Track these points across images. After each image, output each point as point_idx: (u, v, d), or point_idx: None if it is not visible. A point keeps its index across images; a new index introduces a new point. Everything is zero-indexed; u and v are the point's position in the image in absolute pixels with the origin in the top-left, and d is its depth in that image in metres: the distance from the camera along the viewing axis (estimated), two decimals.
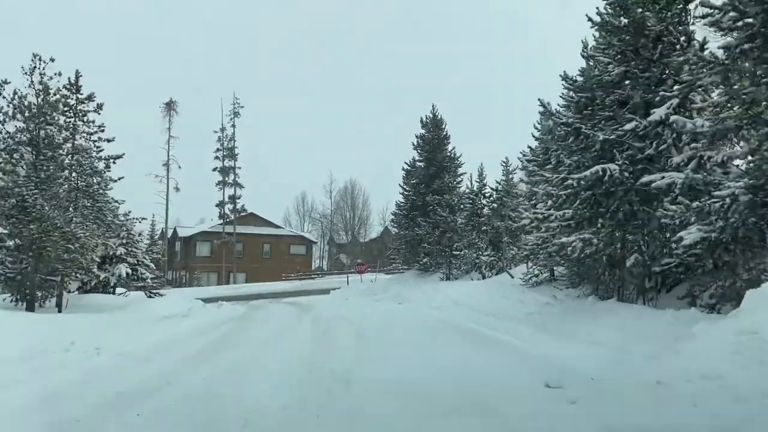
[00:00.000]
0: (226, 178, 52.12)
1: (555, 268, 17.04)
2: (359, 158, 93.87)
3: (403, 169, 29.56)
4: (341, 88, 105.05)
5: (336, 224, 68.86)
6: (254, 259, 56.62)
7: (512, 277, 19.77)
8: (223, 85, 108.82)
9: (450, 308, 17.20)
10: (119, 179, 17.95)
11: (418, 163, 29.38)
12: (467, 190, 23.57)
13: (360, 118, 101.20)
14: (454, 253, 23.59)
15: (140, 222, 21.22)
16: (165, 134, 50.29)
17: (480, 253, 21.90)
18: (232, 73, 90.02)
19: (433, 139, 29.00)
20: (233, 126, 52.86)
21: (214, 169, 51.38)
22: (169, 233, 57.84)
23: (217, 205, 51.37)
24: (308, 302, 26.43)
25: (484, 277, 22.03)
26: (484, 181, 23.19)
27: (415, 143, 29.41)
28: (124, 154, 16.58)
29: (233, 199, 52.47)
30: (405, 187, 29.68)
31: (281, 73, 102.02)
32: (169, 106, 50.23)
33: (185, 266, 54.82)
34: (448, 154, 29.08)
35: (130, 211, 21.00)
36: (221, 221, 52.55)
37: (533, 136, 17.48)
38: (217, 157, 51.70)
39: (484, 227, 22.33)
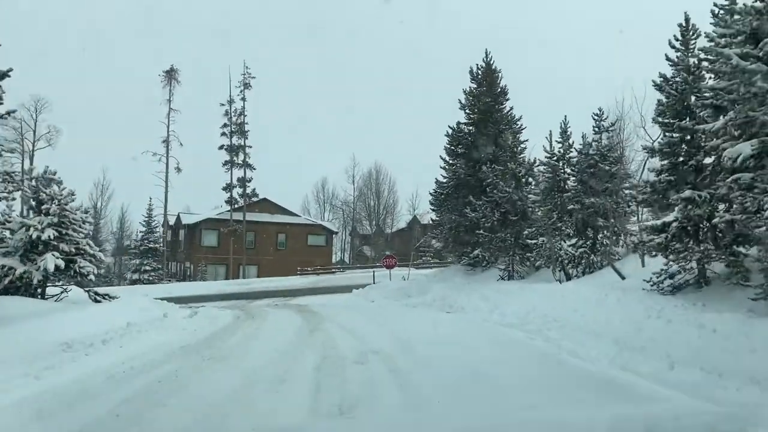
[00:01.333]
0: (235, 158, 46.12)
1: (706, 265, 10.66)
2: (385, 142, 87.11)
3: (446, 134, 23.07)
4: (365, 65, 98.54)
5: (359, 213, 62.64)
6: (267, 250, 50.68)
7: (622, 277, 13.27)
8: (234, 56, 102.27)
9: (544, 327, 10.79)
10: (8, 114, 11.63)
11: (466, 127, 22.86)
12: (544, 157, 16.98)
13: (386, 98, 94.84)
14: (527, 242, 17.10)
15: (64, 189, 15.06)
16: (165, 107, 44.47)
17: (564, 242, 15.39)
18: (243, 43, 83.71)
19: (487, 94, 22.44)
20: (243, 99, 46.88)
21: (221, 147, 45.44)
22: (172, 220, 52.24)
23: (224, 189, 45.50)
24: (323, 306, 20.25)
25: (569, 277, 15.54)
26: (570, 140, 16.60)
27: (463, 101, 22.90)
28: (11, 69, 10.42)
29: (243, 182, 46.50)
30: (448, 159, 23.22)
31: (297, 46, 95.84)
32: (170, 74, 44.40)
33: (189, 257, 49.11)
34: (506, 113, 22.52)
35: (53, 172, 14.94)
36: (231, 208, 46.57)
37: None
38: (224, 134, 45.75)
39: (571, 206, 15.79)
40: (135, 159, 51.05)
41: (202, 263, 46.07)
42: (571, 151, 16.59)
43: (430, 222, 24.02)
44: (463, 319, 14.13)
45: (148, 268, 40.56)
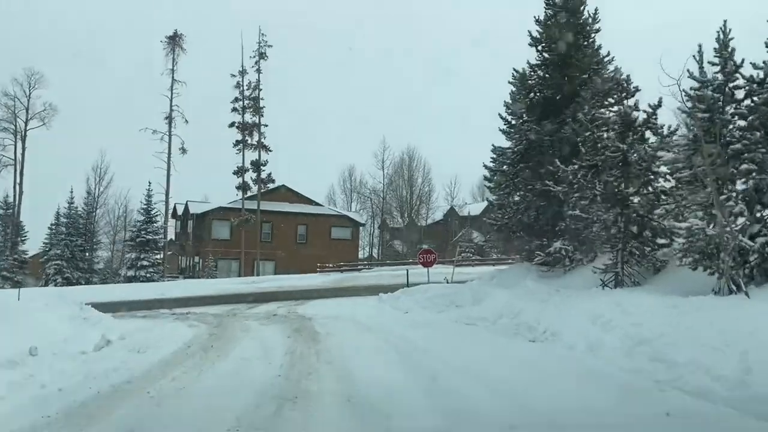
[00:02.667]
0: (248, 138, 40.45)
1: None
2: (419, 126, 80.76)
3: (509, 82, 16.74)
4: (396, 44, 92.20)
5: (389, 204, 56.51)
6: (285, 243, 45.02)
7: None
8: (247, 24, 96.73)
9: None
10: None
11: (537, 72, 16.49)
12: (690, 89, 10.48)
13: (420, 79, 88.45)
14: (654, 225, 10.72)
15: None
16: (167, 78, 38.98)
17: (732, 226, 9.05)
18: (259, 10, 78.08)
19: (567, 26, 16.04)
20: (258, 71, 41.19)
21: (231, 125, 39.82)
22: (181, 210, 46.95)
23: (235, 173, 39.90)
24: (335, 321, 14.25)
25: (738, 287, 9.11)
26: (733, 61, 10.09)
27: (534, 35, 16.50)
28: None
29: (257, 165, 40.81)
30: (510, 118, 16.92)
31: (321, 21, 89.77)
32: (174, 40, 38.92)
33: (198, 251, 43.70)
34: (593, 50, 16.11)
35: None
36: (243, 195, 40.90)
37: None
38: (234, 110, 40.10)
39: (739, 166, 9.41)
40: (136, 138, 45.50)
41: (211, 258, 40.58)
42: (736, 78, 10.12)
43: (489, 203, 17.60)
44: (571, 360, 7.96)
45: (146, 263, 35.20)
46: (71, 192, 36.97)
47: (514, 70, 16.37)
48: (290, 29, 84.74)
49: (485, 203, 58.47)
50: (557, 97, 15.06)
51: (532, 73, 16.29)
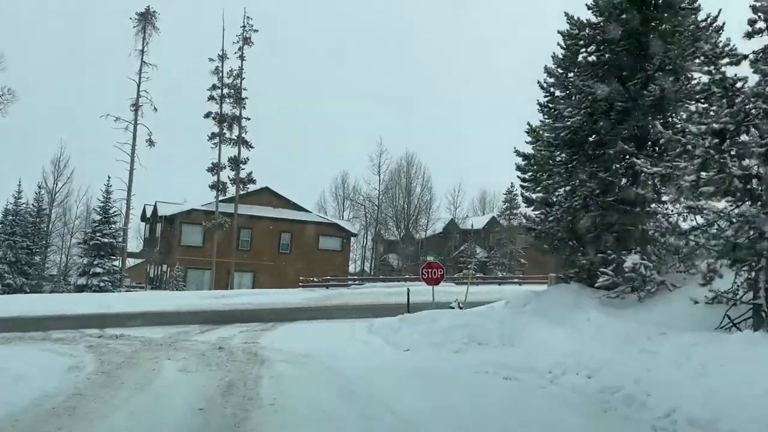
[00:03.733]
0: (226, 131, 35.79)
1: None
2: (418, 131, 76.15)
3: (559, 32, 12.19)
4: (394, 43, 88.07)
5: (384, 213, 51.82)
6: (266, 253, 40.29)
7: None
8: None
9: None
10: None
11: (598, 17, 11.95)
12: None
13: (421, 81, 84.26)
14: None
15: None
16: (136, 60, 34.36)
17: None
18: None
19: None
20: (241, 57, 36.67)
21: (207, 116, 35.17)
22: (149, 212, 42.19)
23: (209, 170, 35.19)
24: (305, 361, 9.58)
25: None
26: None
27: None
28: None
29: (235, 163, 36.14)
30: (552, 88, 12.39)
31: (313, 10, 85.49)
32: (146, 18, 34.32)
33: (167, 259, 38.85)
34: None
35: None
36: (217, 195, 36.14)
37: None
38: (212, 98, 35.47)
39: None
40: (101, 129, 40.39)
41: (179, 268, 35.74)
42: None
43: (525, 199, 12.78)
44: None
45: (99, 270, 30.33)
46: (19, 186, 32.28)
47: (567, 16, 11.79)
48: (279, 17, 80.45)
49: (490, 216, 54.43)
50: (634, 48, 10.51)
51: (584, 27, 11.72)
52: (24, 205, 33.10)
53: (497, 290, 30.11)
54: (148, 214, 42.60)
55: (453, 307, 15.65)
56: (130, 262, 54.19)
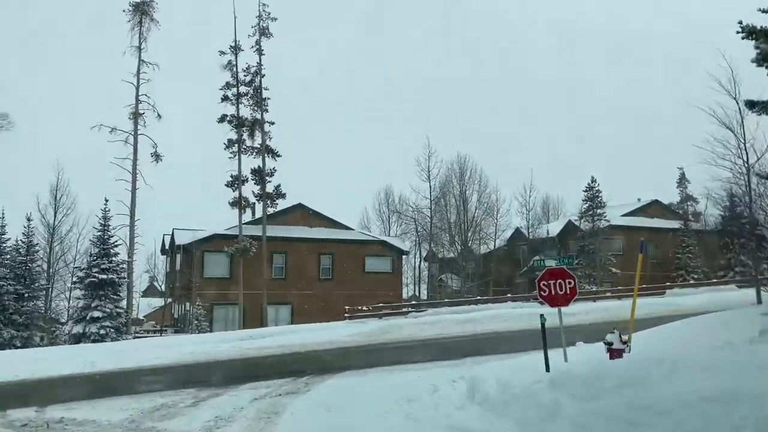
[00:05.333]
0: (246, 138, 30.09)
1: None
2: (469, 132, 69.52)
3: None
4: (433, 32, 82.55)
5: (437, 227, 45.11)
6: (304, 280, 34.27)
7: None
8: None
9: None
10: None
11: None
12: None
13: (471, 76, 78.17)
14: None
15: None
16: (132, 59, 29.06)
17: None
18: None
19: None
20: (259, 52, 31.12)
21: (222, 120, 29.56)
22: (167, 241, 36.75)
23: (229, 185, 29.45)
24: None
25: None
26: None
27: None
28: None
29: (260, 175, 30.34)
30: None
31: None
32: (141, 9, 29.08)
33: (184, 295, 33.12)
34: None
35: None
36: (240, 213, 30.25)
37: None
38: (226, 98, 29.90)
39: None
40: (100, 146, 34.85)
41: (199, 305, 29.87)
42: None
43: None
44: None
45: (99, 314, 24.65)
46: (2, 218, 26.85)
47: None
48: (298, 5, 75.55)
49: (564, 221, 47.17)
50: None
51: None
52: (12, 242, 27.92)
53: (613, 307, 23.18)
54: (168, 245, 37.17)
55: (610, 344, 9.03)
56: (152, 302, 48.97)
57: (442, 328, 21.51)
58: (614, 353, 9.09)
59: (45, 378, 14.89)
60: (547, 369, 7.85)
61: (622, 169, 65.52)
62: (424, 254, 50.06)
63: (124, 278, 26.45)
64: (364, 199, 73.79)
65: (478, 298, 28.57)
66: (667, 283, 33.20)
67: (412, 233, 49.12)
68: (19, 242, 28.14)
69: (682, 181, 47.43)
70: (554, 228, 44.07)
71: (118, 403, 11.43)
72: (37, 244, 29.73)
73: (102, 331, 24.68)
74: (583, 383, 5.86)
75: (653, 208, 44.90)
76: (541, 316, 9.31)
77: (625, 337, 9.20)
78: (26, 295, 27.59)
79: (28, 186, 58.46)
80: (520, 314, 23.86)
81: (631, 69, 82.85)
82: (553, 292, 10.63)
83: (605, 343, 9.23)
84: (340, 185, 68.88)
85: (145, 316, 51.50)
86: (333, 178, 69.22)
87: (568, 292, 10.56)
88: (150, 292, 54.02)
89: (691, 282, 33.85)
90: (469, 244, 44.76)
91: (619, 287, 31.83)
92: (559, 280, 10.65)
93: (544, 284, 10.71)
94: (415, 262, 52.00)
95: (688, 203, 46.03)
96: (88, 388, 14.13)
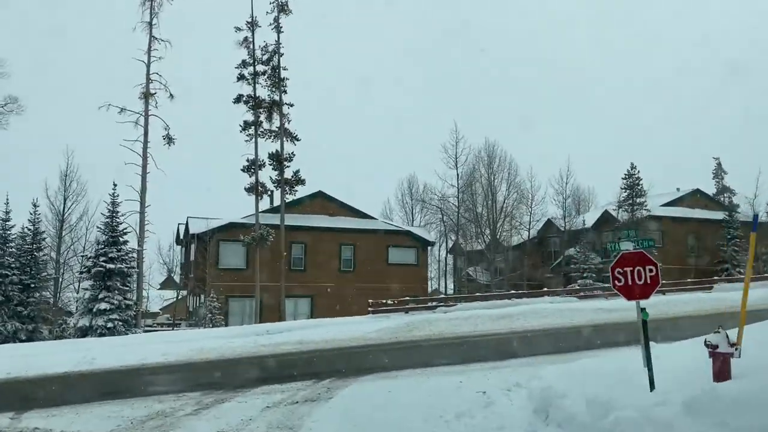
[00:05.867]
0: (262, 119, 28.41)
1: None
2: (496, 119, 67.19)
3: None
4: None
5: (464, 217, 43.09)
6: (324, 271, 32.62)
7: None
8: None
9: None
10: None
11: None
12: None
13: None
14: None
15: None
16: (142, 35, 27.51)
17: None
18: None
19: None
20: (277, 29, 29.38)
21: (238, 100, 27.88)
22: (181, 230, 35.33)
23: (245, 170, 27.78)
24: None
25: None
26: None
27: None
28: None
29: (278, 159, 28.64)
30: None
31: None
32: None
33: (199, 286, 31.63)
34: None
35: None
36: (256, 199, 28.60)
37: None
38: (242, 77, 28.20)
39: None
40: (110, 127, 33.21)
41: (213, 298, 28.31)
42: None
43: None
44: None
45: (106, 306, 23.16)
46: (6, 204, 25.47)
47: None
48: None
49: (600, 211, 44.86)
50: None
51: None
52: (18, 229, 26.55)
53: (660, 303, 21.05)
54: (183, 234, 35.71)
55: (715, 346, 7.04)
56: (164, 295, 47.65)
57: (475, 324, 19.62)
58: (719, 360, 7.17)
59: (36, 376, 13.36)
60: (652, 385, 5.94)
61: (655, 158, 62.92)
62: (449, 246, 48.12)
63: (134, 268, 24.92)
64: (386, 190, 71.96)
65: (512, 292, 26.56)
66: (715, 278, 30.95)
67: (437, 224, 47.22)
68: (26, 230, 26.76)
69: (719, 172, 44.95)
70: (589, 219, 41.77)
71: (107, 409, 9.78)
72: (44, 231, 28.31)
73: (109, 325, 23.19)
74: (748, 410, 3.96)
75: (694, 197, 42.36)
76: (643, 310, 7.36)
77: (732, 338, 7.23)
78: (33, 285, 26.22)
79: (37, 172, 57.56)
80: (558, 309, 21.95)
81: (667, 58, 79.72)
82: (630, 282, 8.66)
83: (708, 346, 7.25)
84: (362, 174, 67.07)
85: (161, 309, 50.27)
86: (354, 167, 67.39)
87: (648, 281, 8.61)
88: (168, 284, 52.80)
89: (739, 276, 31.54)
90: (498, 236, 42.71)
91: (664, 281, 29.60)
92: (637, 268, 8.68)
93: (619, 272, 8.68)
94: (439, 255, 50.11)
95: (725, 194, 43.54)
96: (80, 388, 12.55)
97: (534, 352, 13.85)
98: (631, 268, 8.69)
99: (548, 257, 44.60)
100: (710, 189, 44.24)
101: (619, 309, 21.86)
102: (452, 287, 47.52)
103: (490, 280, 41.79)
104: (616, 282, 8.81)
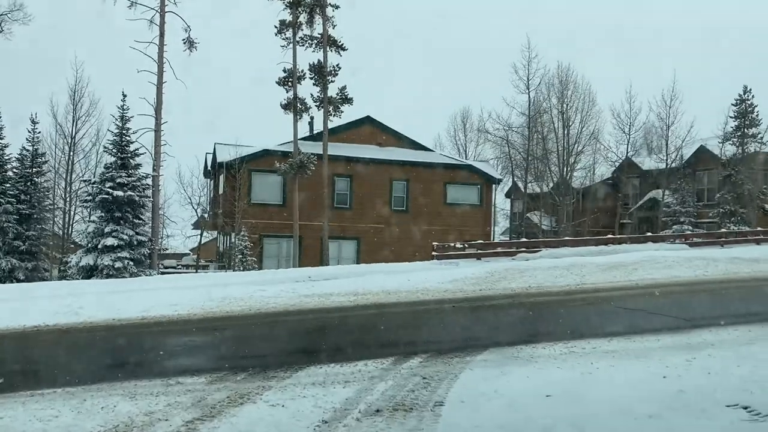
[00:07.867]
0: (301, 22, 23.51)
1: None
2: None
3: None
4: None
5: (531, 153, 37.78)
6: (373, 210, 28.17)
7: None
8: None
9: None
10: None
11: None
12: None
13: None
14: None
15: None
16: None
17: None
18: None
19: None
20: None
21: None
22: (209, 161, 31.21)
23: (280, 83, 23.18)
24: None
25: None
26: None
27: None
28: None
29: (320, 72, 23.86)
30: None
31: None
32: None
33: (228, 224, 27.54)
34: None
35: None
36: (294, 118, 24.06)
37: None
38: None
39: None
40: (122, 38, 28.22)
41: (244, 235, 24.23)
42: None
43: None
44: None
45: (113, 241, 19.24)
46: None
47: None
48: None
49: (696, 145, 39.02)
50: None
51: None
52: (14, 152, 22.64)
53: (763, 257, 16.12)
54: (210, 164, 31.56)
55: None
56: (187, 232, 43.99)
57: (581, 274, 14.99)
58: None
59: (29, 327, 9.43)
60: None
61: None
62: (516, 182, 43.08)
63: (148, 197, 20.89)
64: (437, 124, 66.47)
65: (610, 236, 21.74)
66: None
67: (494, 163, 42.11)
68: (24, 150, 22.84)
69: None
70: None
71: (53, 405, 5.61)
72: (44, 153, 24.35)
73: (118, 264, 19.32)
74: None
75: None
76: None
77: None
78: (34, 216, 22.46)
79: (45, 89, 53.39)
80: (679, 258, 17.19)
81: None
82: None
83: None
84: (412, 103, 61.59)
85: (191, 250, 46.85)
86: (404, 95, 61.94)
87: None
88: (202, 223, 49.21)
89: None
90: (567, 176, 37.48)
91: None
92: None
93: None
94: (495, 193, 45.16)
95: None
96: (37, 356, 8.52)
97: (708, 320, 9.24)
98: None
99: (624, 200, 39.28)
100: None
101: (761, 260, 17.18)
102: (509, 232, 42.69)
103: (556, 225, 36.89)
104: None
